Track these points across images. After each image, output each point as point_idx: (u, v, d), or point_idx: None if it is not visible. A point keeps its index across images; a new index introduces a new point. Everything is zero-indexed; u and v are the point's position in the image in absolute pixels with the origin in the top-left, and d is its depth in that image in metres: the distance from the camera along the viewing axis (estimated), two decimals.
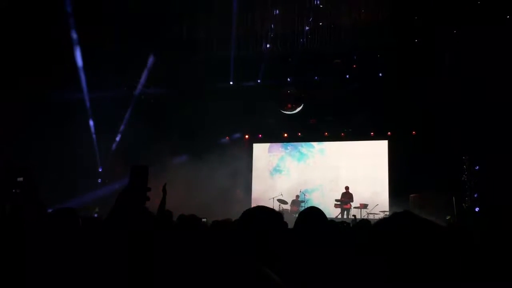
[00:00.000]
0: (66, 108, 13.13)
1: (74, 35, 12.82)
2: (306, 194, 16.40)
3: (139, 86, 15.61)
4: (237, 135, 17.45)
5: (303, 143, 17.69)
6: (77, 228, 2.86)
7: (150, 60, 14.80)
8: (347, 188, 15.43)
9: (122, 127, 15.49)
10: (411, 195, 14.12)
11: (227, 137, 17.45)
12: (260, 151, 18.09)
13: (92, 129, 14.48)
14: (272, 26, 13.98)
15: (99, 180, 15.14)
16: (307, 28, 13.79)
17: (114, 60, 13.59)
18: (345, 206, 15.08)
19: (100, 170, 15.21)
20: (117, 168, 14.64)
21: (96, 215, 13.56)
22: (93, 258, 1.98)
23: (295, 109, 15.54)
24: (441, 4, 11.98)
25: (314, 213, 2.84)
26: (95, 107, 14.37)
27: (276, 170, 17.85)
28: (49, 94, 12.00)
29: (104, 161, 15.25)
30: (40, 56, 11.36)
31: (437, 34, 12.83)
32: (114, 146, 15.42)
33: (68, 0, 11.87)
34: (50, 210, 2.86)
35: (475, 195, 13.58)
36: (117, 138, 15.48)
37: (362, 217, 13.75)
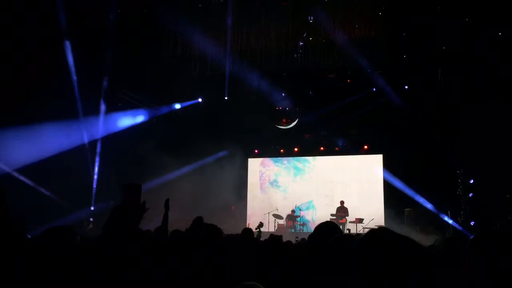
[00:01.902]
0: (60, 123, 13.09)
1: (71, 59, 12.85)
2: (302, 209, 16.37)
3: (133, 102, 15.62)
4: (232, 150, 17.41)
5: (298, 158, 17.69)
6: (74, 247, 2.84)
7: (145, 75, 14.81)
8: (342, 202, 15.41)
9: (115, 147, 15.41)
10: (406, 209, 14.16)
11: (222, 152, 17.41)
12: (255, 166, 18.07)
13: (86, 144, 14.42)
14: (267, 41, 14.05)
15: (93, 196, 15.04)
16: (301, 43, 13.89)
17: (108, 75, 13.63)
18: (340, 221, 15.02)
19: (94, 186, 15.12)
20: (112, 184, 14.60)
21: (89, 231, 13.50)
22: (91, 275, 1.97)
23: (290, 124, 15.59)
24: (432, 21, 12.11)
25: (330, 228, 2.83)
26: (90, 121, 14.35)
27: (271, 185, 17.82)
28: (43, 107, 11.97)
29: (99, 177, 15.17)
30: (34, 69, 11.36)
31: (427, 50, 12.95)
32: (109, 162, 15.34)
33: (61, 14, 11.86)
34: (44, 228, 2.83)
35: (470, 209, 13.61)
36: (114, 148, 15.37)
37: (358, 232, 13.73)
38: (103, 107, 14.53)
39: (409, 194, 14.42)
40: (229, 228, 13.76)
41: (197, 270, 1.91)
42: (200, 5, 13.61)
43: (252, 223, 15.37)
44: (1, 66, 10.72)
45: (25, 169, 12.00)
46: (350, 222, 15.01)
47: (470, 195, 13.70)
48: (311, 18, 13.39)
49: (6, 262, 2.26)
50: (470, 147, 12.79)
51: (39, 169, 12.09)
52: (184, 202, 13.52)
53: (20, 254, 2.41)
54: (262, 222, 12.66)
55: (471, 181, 13.74)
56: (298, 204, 16.50)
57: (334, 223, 2.93)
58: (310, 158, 17.53)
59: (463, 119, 12.88)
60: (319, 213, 16.49)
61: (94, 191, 14.98)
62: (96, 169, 15.01)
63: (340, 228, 2.87)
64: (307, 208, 16.84)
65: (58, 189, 12.97)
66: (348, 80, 15.51)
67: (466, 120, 12.76)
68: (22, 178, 12.11)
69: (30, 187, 12.37)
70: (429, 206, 14.05)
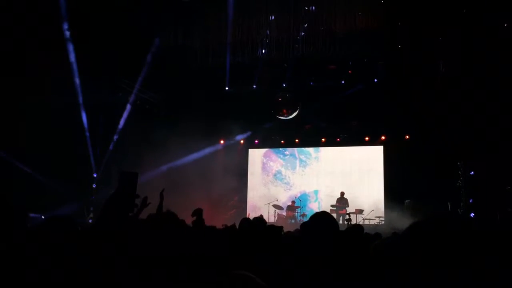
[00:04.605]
0: (61, 112, 13.10)
1: (71, 47, 12.83)
2: (302, 200, 16.41)
3: (134, 91, 15.61)
4: (233, 140, 17.42)
5: (298, 149, 17.69)
6: (75, 237, 2.84)
7: (146, 65, 14.79)
8: (342, 193, 15.42)
9: (116, 136, 15.44)
10: (406, 201, 14.16)
11: (222, 142, 17.42)
12: (256, 156, 18.08)
13: (87, 133, 14.44)
14: (268, 31, 14.00)
15: (94, 186, 15.09)
16: (302, 34, 13.82)
17: (110, 65, 13.61)
18: (341, 212, 15.06)
19: (95, 175, 15.17)
20: (112, 173, 14.63)
21: (90, 220, 13.57)
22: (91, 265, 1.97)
23: (290, 115, 15.56)
24: (432, 12, 12.04)
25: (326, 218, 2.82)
26: (91, 110, 14.37)
27: (272, 175, 17.84)
28: (44, 97, 11.98)
29: (99, 166, 15.21)
30: (35, 59, 11.34)
31: (427, 41, 12.91)
32: (109, 149, 15.37)
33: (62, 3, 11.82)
34: (43, 217, 2.84)
35: (470, 201, 13.62)
36: (115, 137, 15.40)
37: (358, 222, 13.73)
38: (103, 96, 14.54)
39: (409, 185, 14.42)
40: (230, 218, 13.83)
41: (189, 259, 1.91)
42: None
43: (252, 213, 15.41)
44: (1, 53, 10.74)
45: (25, 158, 12.03)
46: (350, 213, 15.02)
47: (470, 187, 13.71)
48: (313, 8, 13.32)
49: (6, 250, 2.27)
50: (471, 138, 12.78)
51: (39, 157, 12.12)
52: (183, 193, 13.55)
53: (20, 243, 2.42)
54: (262, 214, 12.72)
55: (471, 173, 13.74)
56: (298, 195, 16.56)
57: (329, 214, 2.92)
58: (311, 149, 17.53)
59: (464, 110, 12.84)
60: (319, 203, 16.58)
61: (94, 180, 15.04)
62: (97, 158, 15.07)
63: (335, 220, 2.87)
64: (308, 199, 16.88)
65: (59, 178, 13.01)
66: (349, 71, 15.45)
67: (467, 112, 12.72)
68: (22, 166, 12.14)
69: (30, 176, 12.40)
70: (429, 197, 14.04)
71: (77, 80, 13.46)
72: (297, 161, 17.66)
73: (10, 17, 10.55)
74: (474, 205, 13.41)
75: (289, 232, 6.33)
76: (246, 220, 5.86)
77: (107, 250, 1.78)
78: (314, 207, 16.55)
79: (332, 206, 15.31)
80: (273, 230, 4.19)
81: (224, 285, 1.38)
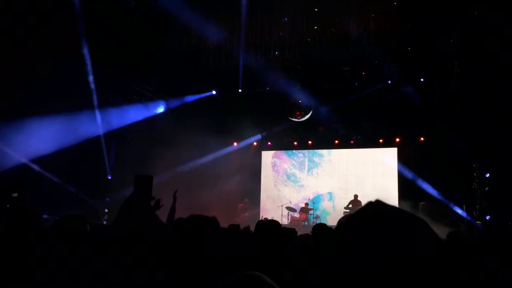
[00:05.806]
0: (75, 114, 13.20)
1: (86, 50, 12.92)
2: (315, 202, 16.34)
3: (148, 93, 15.69)
4: (246, 142, 17.42)
5: (312, 151, 17.63)
6: (85, 234, 2.86)
7: (160, 68, 14.86)
8: (356, 196, 15.32)
9: (130, 138, 15.51)
10: (421, 203, 14.02)
11: (235, 144, 17.44)
12: (269, 158, 18.07)
13: (101, 135, 14.52)
14: (281, 33, 13.99)
15: (108, 188, 15.16)
16: (316, 35, 13.79)
17: (124, 67, 13.70)
18: None
19: (109, 177, 15.25)
20: (127, 175, 14.69)
21: (105, 222, 13.63)
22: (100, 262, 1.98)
23: (303, 117, 15.52)
24: (445, 13, 11.94)
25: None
26: (105, 112, 14.45)
27: (285, 177, 17.80)
28: (58, 99, 12.07)
29: (114, 168, 15.29)
30: (49, 62, 11.44)
31: (441, 41, 12.80)
32: (124, 151, 15.45)
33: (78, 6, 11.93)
34: (57, 217, 2.86)
35: (485, 203, 13.46)
36: (129, 139, 15.47)
37: None
38: (118, 98, 14.63)
39: (424, 188, 14.30)
40: (242, 221, 13.83)
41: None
42: None
43: (265, 215, 15.42)
44: (17, 57, 10.83)
45: (41, 160, 12.13)
46: None
47: (486, 189, 13.54)
48: (326, 9, 13.29)
49: (20, 251, 2.29)
50: (487, 140, 12.62)
51: (54, 160, 12.21)
52: (196, 195, 13.57)
53: (33, 243, 2.44)
54: (267, 217, 12.69)
55: (487, 175, 13.58)
56: (311, 197, 16.49)
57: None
58: (324, 151, 17.45)
59: (479, 112, 12.70)
60: (333, 206, 16.50)
61: (109, 182, 15.12)
62: (112, 160, 15.14)
63: None
64: (321, 201, 16.81)
65: (74, 180, 13.10)
66: (363, 73, 15.38)
67: (482, 113, 12.58)
68: (38, 168, 12.24)
69: (46, 178, 12.50)
70: (444, 200, 13.92)
71: (92, 81, 13.54)
72: (311, 163, 17.60)
73: (10, 17, 10.66)
74: (490, 208, 13.25)
75: (305, 235, 6.27)
76: (262, 222, 5.85)
77: (119, 251, 1.79)
78: (328, 209, 16.48)
79: (345, 208, 15.24)
80: (289, 232, 4.18)
81: (236, 284, 1.37)
